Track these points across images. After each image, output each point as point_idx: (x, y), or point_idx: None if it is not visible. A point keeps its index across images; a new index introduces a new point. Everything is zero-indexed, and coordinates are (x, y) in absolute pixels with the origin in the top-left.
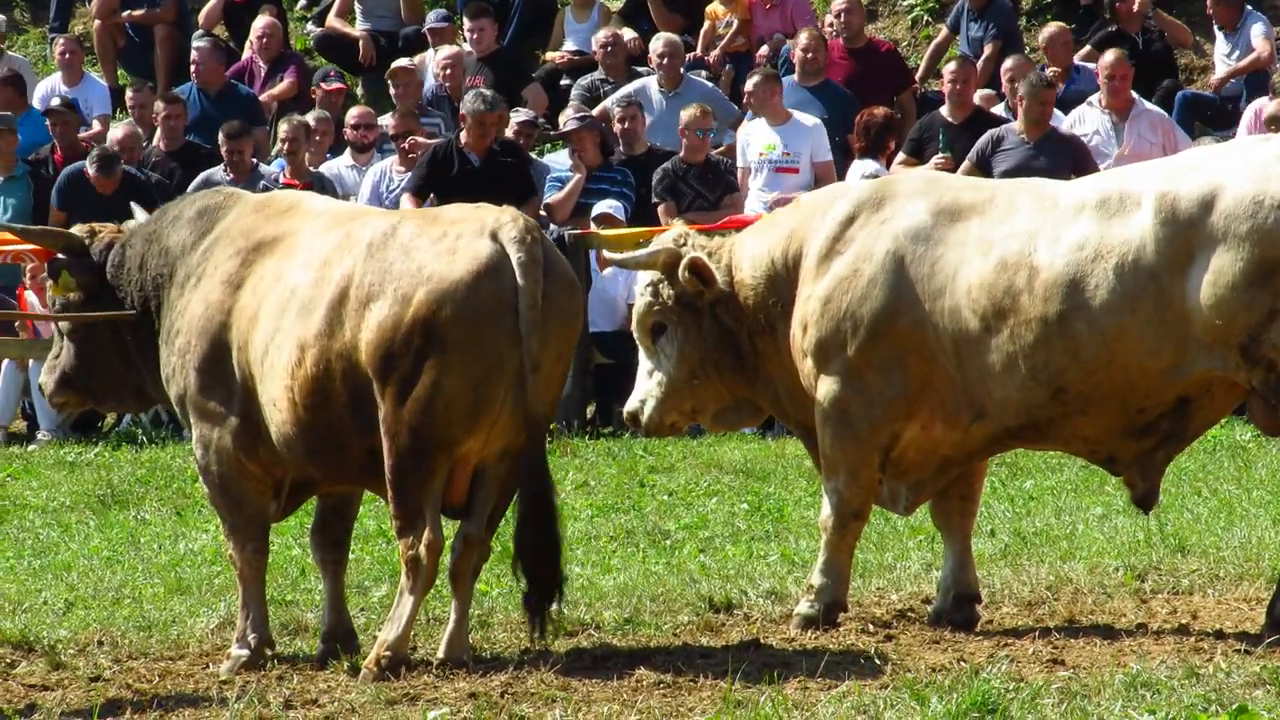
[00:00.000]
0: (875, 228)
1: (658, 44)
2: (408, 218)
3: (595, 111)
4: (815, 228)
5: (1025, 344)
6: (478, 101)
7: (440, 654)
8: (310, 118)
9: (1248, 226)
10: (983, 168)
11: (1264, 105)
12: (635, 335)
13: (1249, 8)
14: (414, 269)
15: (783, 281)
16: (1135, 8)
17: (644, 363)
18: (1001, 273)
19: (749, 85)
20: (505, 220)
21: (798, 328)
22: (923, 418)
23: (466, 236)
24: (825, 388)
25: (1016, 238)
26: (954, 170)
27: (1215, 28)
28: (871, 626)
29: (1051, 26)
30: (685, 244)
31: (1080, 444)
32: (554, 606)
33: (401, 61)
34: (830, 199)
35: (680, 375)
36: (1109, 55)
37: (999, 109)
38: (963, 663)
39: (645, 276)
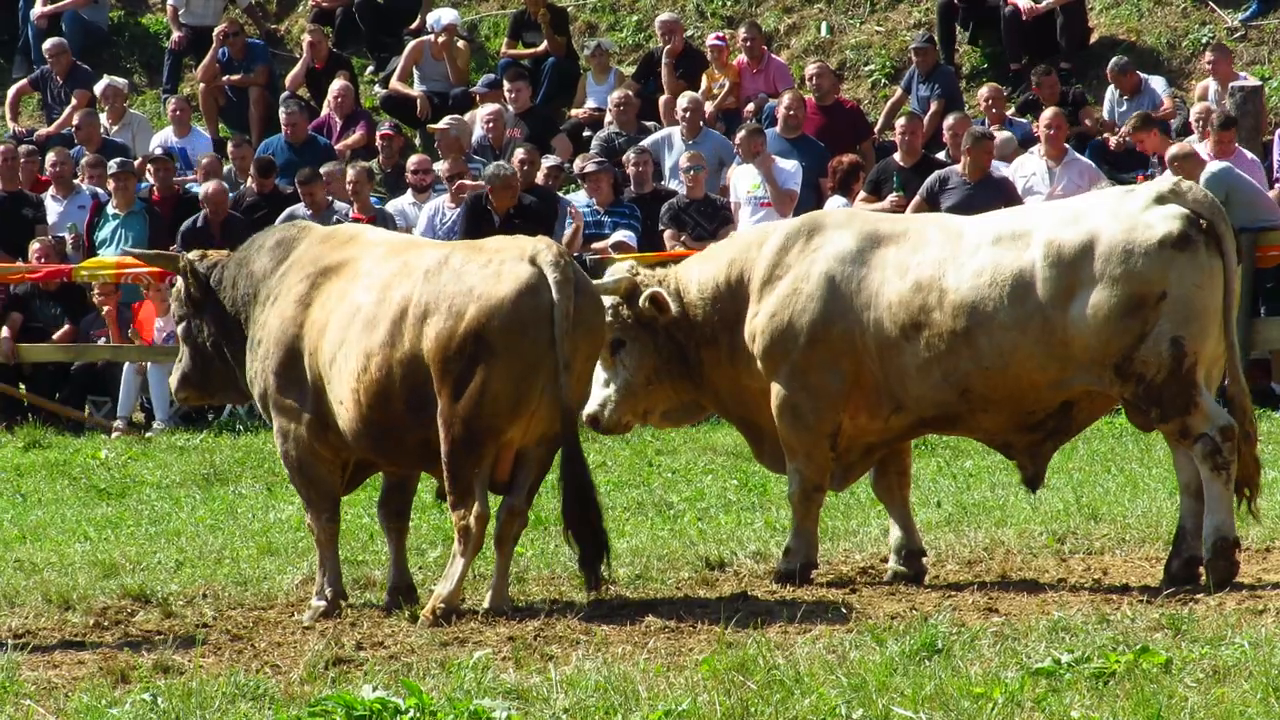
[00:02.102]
0: (809, 254)
1: (683, 101)
2: (458, 248)
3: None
4: (754, 257)
5: (938, 352)
6: (496, 169)
7: (485, 605)
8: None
9: (1121, 269)
10: (931, 202)
11: (1170, 149)
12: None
13: (1143, 76)
14: (465, 289)
15: (726, 300)
16: (1054, 90)
17: (599, 373)
18: (917, 293)
19: (737, 138)
20: (541, 247)
21: (749, 339)
22: (851, 409)
23: (509, 261)
24: (778, 386)
25: (928, 264)
26: (905, 206)
27: (1117, 93)
28: (839, 581)
29: (986, 88)
30: (638, 274)
31: (982, 434)
32: (604, 564)
33: (441, 123)
34: (763, 233)
35: (637, 382)
36: (1049, 112)
37: (942, 155)
38: (914, 611)
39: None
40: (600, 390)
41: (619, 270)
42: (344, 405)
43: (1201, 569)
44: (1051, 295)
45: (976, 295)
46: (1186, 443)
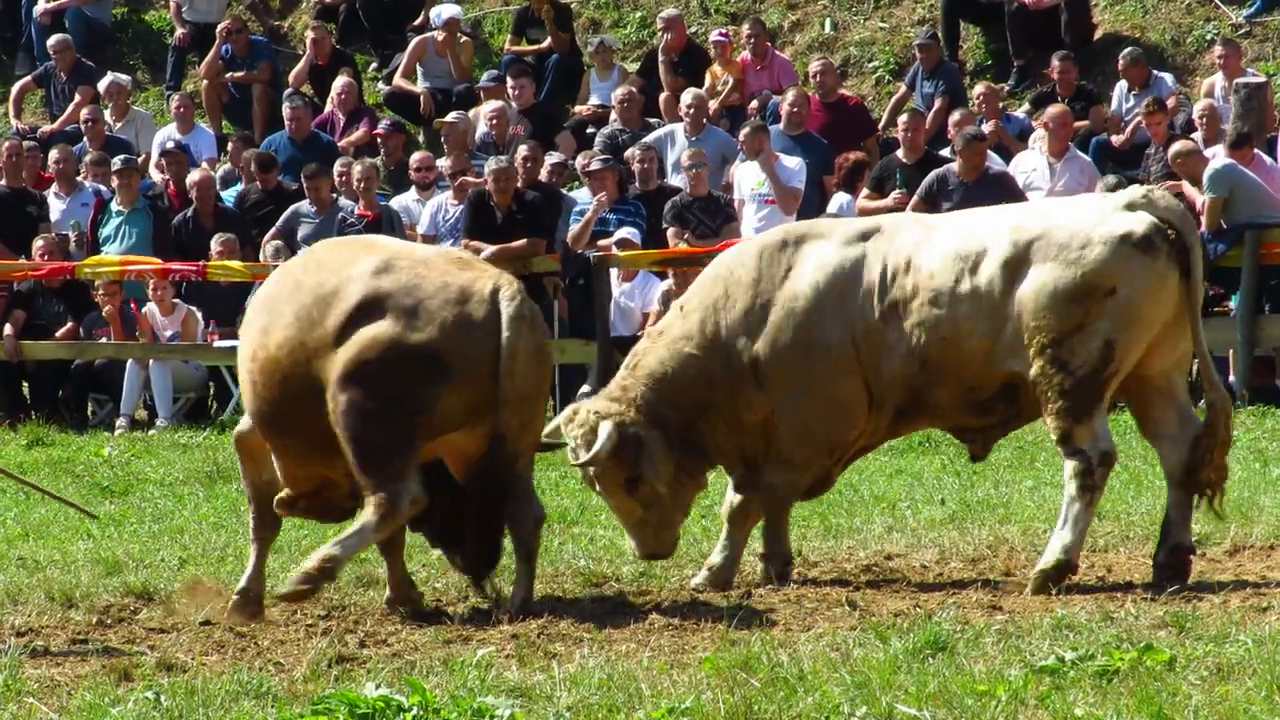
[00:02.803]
0: (786, 275)
1: (686, 97)
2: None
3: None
4: (725, 299)
5: (910, 325)
6: (495, 163)
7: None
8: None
9: (1076, 255)
10: (929, 202)
11: (1174, 146)
12: (612, 507)
13: (1154, 71)
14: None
15: (707, 361)
16: (1070, 79)
17: (625, 519)
18: (893, 278)
19: (741, 135)
20: (504, 283)
21: (748, 367)
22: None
23: (475, 297)
24: (789, 400)
25: (902, 250)
26: (907, 202)
27: (1126, 87)
28: (842, 579)
29: (981, 85)
30: (604, 423)
31: (939, 416)
32: (489, 575)
33: (448, 117)
34: (724, 273)
35: (664, 497)
36: (1054, 108)
37: (945, 152)
38: (918, 608)
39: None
40: (639, 530)
41: (599, 435)
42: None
43: (1190, 557)
44: (1002, 268)
45: (943, 270)
46: (1064, 450)
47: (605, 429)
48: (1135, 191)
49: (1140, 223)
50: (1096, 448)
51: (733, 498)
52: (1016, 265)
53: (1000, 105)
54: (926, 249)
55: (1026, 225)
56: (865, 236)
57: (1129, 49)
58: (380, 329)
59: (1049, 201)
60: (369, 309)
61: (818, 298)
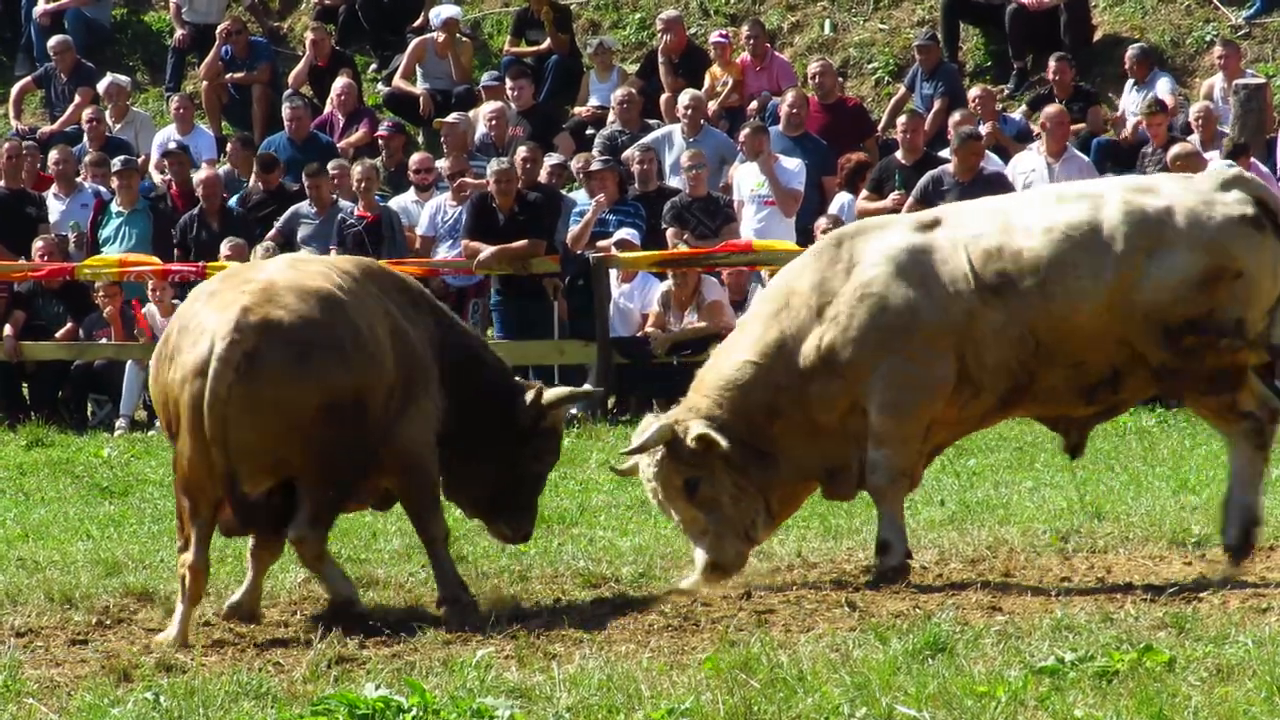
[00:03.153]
0: (853, 265)
1: (684, 98)
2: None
3: (623, 156)
4: (785, 306)
5: (1015, 308)
6: (497, 165)
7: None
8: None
9: (1205, 239)
10: (926, 203)
11: (1173, 149)
12: (672, 512)
13: (1155, 68)
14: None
15: (778, 368)
16: (1067, 80)
17: (689, 530)
18: (989, 260)
19: (741, 135)
20: (222, 330)
21: (821, 361)
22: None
23: (204, 340)
24: (876, 381)
25: (989, 233)
26: (905, 203)
27: (1129, 80)
28: (842, 579)
29: (976, 88)
30: (666, 419)
31: (1044, 402)
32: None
33: (449, 117)
34: (784, 286)
35: (727, 507)
36: (1051, 108)
37: (944, 153)
38: (918, 609)
39: (648, 461)
40: (702, 539)
41: (649, 425)
42: None
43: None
44: (1128, 250)
45: (1050, 249)
46: (1233, 417)
47: (651, 423)
48: (1227, 172)
49: (1247, 203)
50: (1266, 406)
51: None
52: (1139, 245)
53: (999, 107)
54: (1021, 232)
55: (1142, 201)
56: (929, 226)
57: (1139, 44)
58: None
59: (1143, 180)
60: (169, 339)
61: (891, 281)
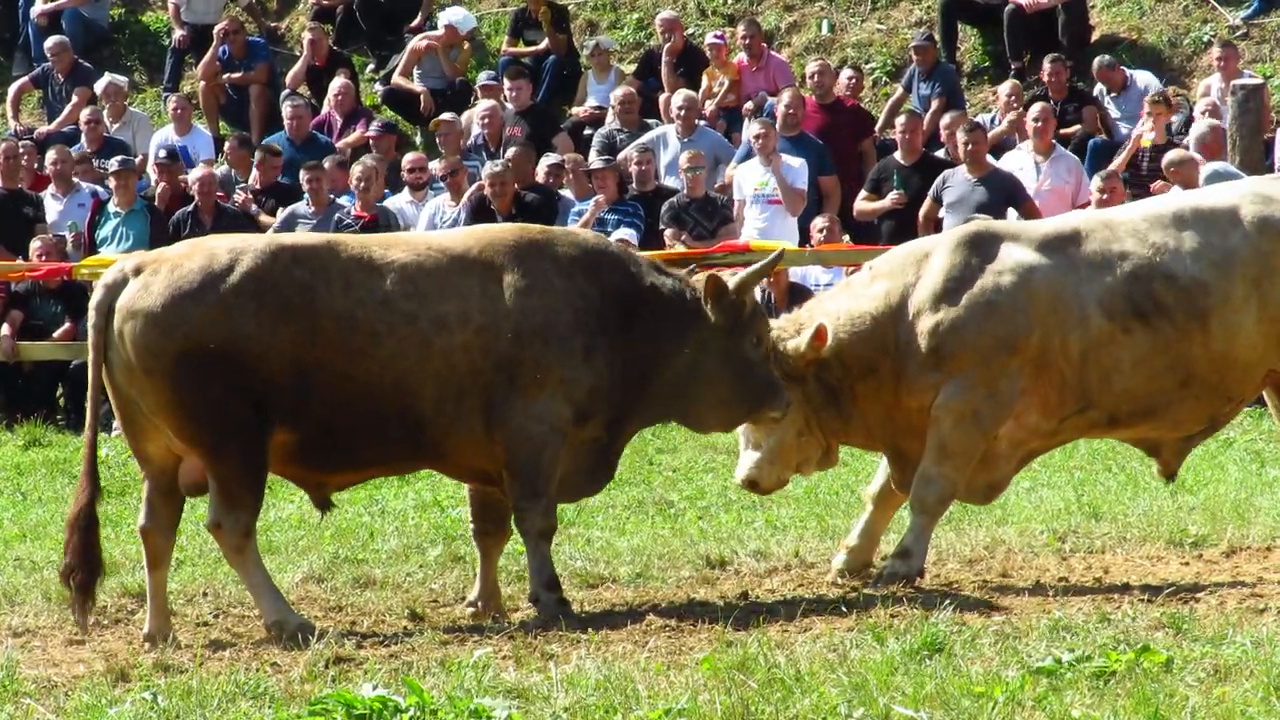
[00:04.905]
0: (991, 266)
1: (678, 99)
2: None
3: (619, 156)
4: (920, 273)
5: (1166, 339)
6: (491, 168)
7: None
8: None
9: None
10: (939, 202)
11: (1168, 155)
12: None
13: (1130, 73)
14: None
15: (887, 325)
16: (1061, 81)
17: (744, 439)
18: (1133, 283)
19: (752, 132)
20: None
21: (925, 347)
22: (1019, 411)
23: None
24: (957, 390)
25: (1133, 256)
26: (905, 204)
27: (1105, 91)
28: (840, 580)
29: (1007, 85)
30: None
31: (1167, 427)
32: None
33: (444, 116)
34: (920, 251)
35: (789, 438)
36: (1036, 107)
37: (940, 154)
38: (915, 609)
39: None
40: (750, 454)
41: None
42: None
43: None
44: (1263, 271)
45: (1201, 276)
46: None
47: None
48: None
49: None
50: None
51: (878, 483)
52: (1273, 264)
53: (1001, 109)
54: (1174, 256)
55: (1273, 214)
56: (1064, 242)
57: (1102, 56)
58: None
59: (1233, 185)
60: None
61: (1015, 297)
